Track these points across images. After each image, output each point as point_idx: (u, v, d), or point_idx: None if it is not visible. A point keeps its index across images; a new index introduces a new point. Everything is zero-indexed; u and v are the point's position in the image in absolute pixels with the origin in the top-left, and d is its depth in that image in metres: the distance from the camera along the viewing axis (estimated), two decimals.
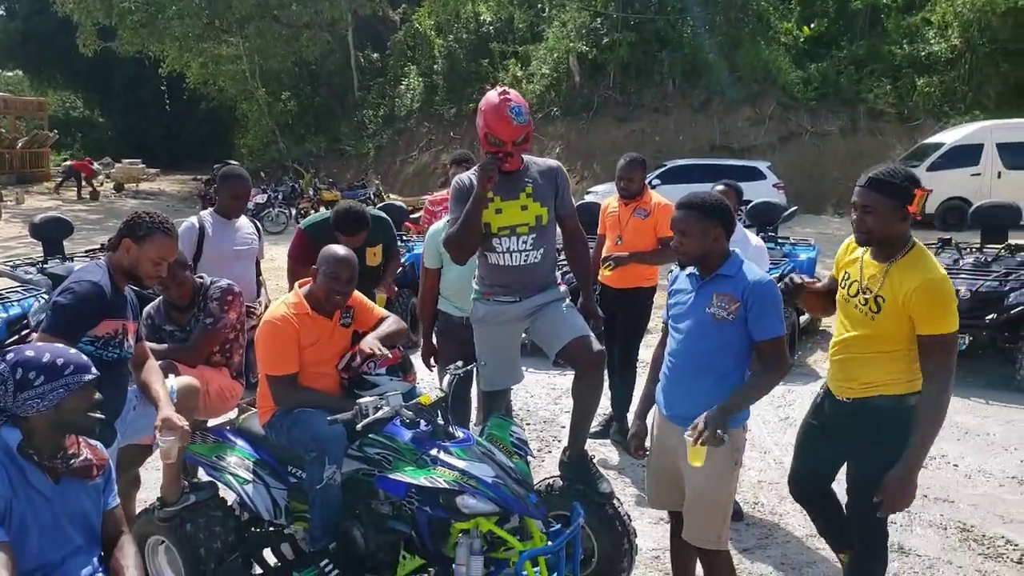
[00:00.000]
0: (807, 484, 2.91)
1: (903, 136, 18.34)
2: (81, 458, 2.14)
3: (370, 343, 3.03)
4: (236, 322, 3.64)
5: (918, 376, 2.45)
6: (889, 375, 2.50)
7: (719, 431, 2.39)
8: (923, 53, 18.77)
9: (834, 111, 19.03)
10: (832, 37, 20.19)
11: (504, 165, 3.04)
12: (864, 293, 2.51)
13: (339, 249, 3.06)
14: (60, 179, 23.59)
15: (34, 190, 23.55)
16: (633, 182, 4.49)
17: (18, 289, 6.02)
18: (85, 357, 2.12)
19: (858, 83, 19.07)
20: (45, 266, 6.67)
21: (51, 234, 6.97)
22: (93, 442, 2.25)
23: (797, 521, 3.81)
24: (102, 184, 24.46)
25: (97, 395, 2.11)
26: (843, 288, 2.64)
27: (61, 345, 2.16)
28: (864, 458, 2.57)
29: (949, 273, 6.24)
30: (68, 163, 25.42)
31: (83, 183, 23.18)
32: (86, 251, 7.51)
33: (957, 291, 5.81)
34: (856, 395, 2.58)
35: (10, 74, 44.03)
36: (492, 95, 3.04)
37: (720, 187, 4.12)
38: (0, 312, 5.29)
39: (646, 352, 6.73)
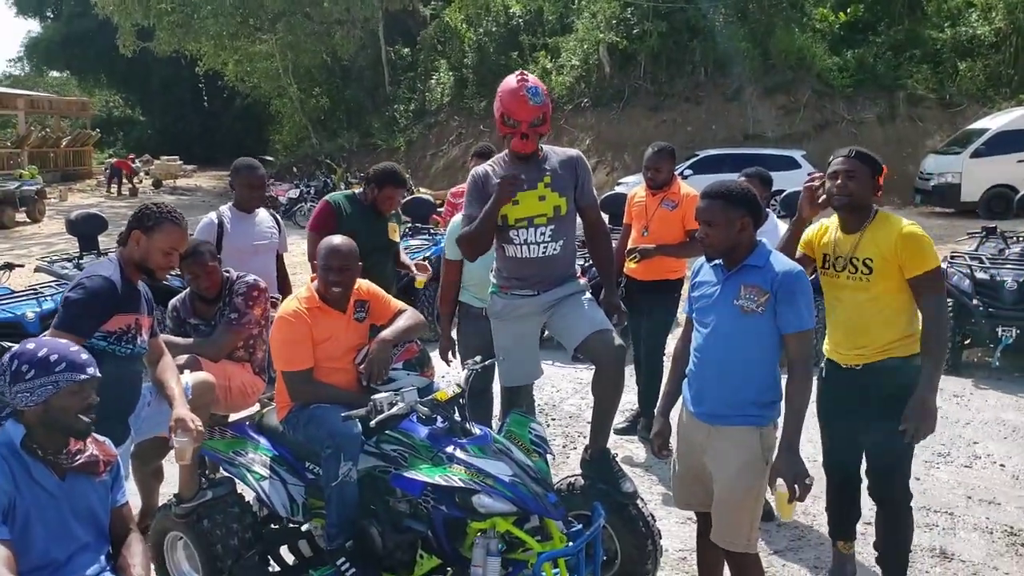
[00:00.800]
0: (842, 460, 2.97)
1: (944, 122, 17.81)
2: (87, 453, 2.11)
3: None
4: (260, 318, 3.63)
5: (918, 338, 2.72)
6: (895, 335, 2.72)
7: (807, 479, 2.35)
8: (966, 36, 18.18)
9: (871, 98, 18.53)
10: (869, 22, 19.64)
11: (521, 147, 2.97)
12: (851, 264, 2.74)
13: (332, 239, 3.01)
14: (108, 178, 24.10)
15: (77, 188, 24.15)
16: (661, 172, 4.37)
17: (53, 284, 6.12)
18: (86, 356, 2.08)
19: (897, 68, 18.54)
20: (80, 261, 6.80)
21: (86, 230, 7.11)
22: (101, 438, 2.22)
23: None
24: (141, 181, 24.98)
25: (93, 398, 2.07)
26: (827, 269, 2.83)
27: (64, 341, 2.13)
28: (879, 422, 2.71)
29: (994, 263, 5.99)
30: (111, 161, 26.01)
31: (123, 180, 23.71)
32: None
33: (1003, 282, 5.65)
34: (866, 360, 2.74)
35: (56, 75, 45.27)
36: (510, 78, 3.01)
37: (743, 176, 3.99)
38: (34, 307, 5.35)
39: (672, 346, 6.65)
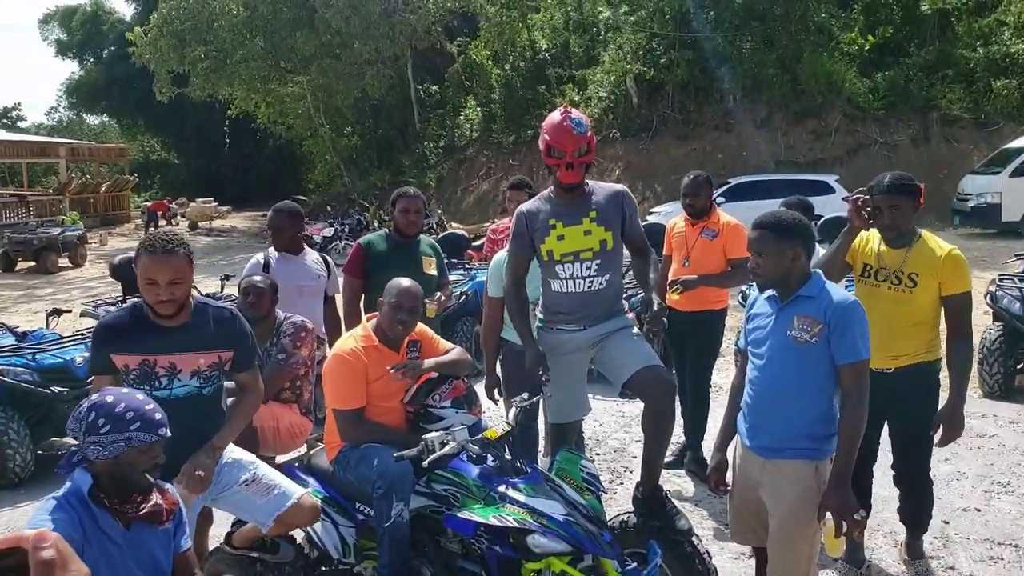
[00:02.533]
0: (866, 458, 3.14)
1: (980, 142, 17.55)
2: (151, 503, 2.12)
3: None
4: (307, 358, 3.67)
5: (941, 343, 3.06)
6: (925, 344, 3.03)
7: (856, 515, 2.32)
8: (999, 55, 17.96)
9: (904, 120, 18.37)
10: (899, 44, 19.55)
11: (567, 177, 2.99)
12: (895, 276, 2.99)
13: (403, 280, 3.06)
14: (145, 221, 24.72)
15: (116, 232, 24.75)
16: (699, 199, 4.36)
17: None
18: (160, 416, 2.09)
19: (929, 89, 18.39)
20: (124, 305, 6.94)
21: (130, 274, 7.19)
22: (164, 485, 2.24)
23: (891, 557, 3.56)
24: (177, 223, 25.56)
25: (161, 457, 2.09)
26: (866, 278, 3.07)
27: (142, 398, 2.12)
28: (907, 417, 3.04)
29: None
30: (147, 204, 26.70)
31: (159, 222, 24.27)
32: None
33: None
34: (900, 364, 3.00)
35: (95, 122, 46.86)
36: (555, 113, 3.05)
37: (783, 205, 3.97)
38: (82, 351, 5.45)
39: (718, 376, 6.56)
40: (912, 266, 2.95)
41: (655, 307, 2.89)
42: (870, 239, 3.10)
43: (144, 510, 2.09)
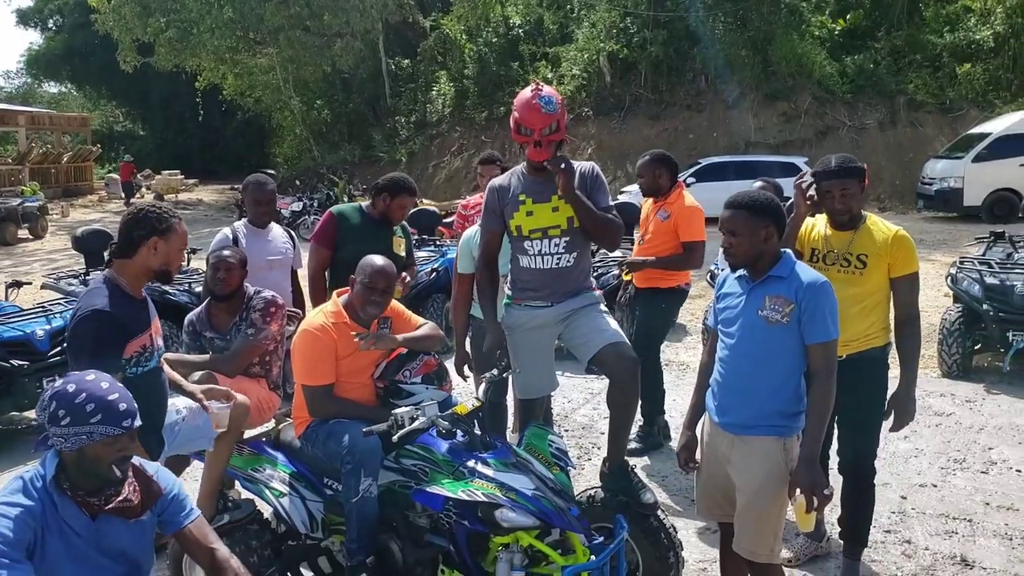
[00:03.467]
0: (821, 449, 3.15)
1: (945, 127, 17.86)
2: (120, 497, 2.02)
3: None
4: (277, 333, 3.64)
5: (890, 328, 3.05)
6: (875, 326, 3.00)
7: (825, 490, 2.35)
8: (965, 41, 18.24)
9: (872, 104, 18.61)
10: (868, 29, 19.74)
11: (535, 156, 2.98)
12: (843, 259, 2.98)
13: (377, 259, 3.02)
14: (125, 193, 24.16)
15: (79, 203, 24.16)
16: (645, 179, 4.39)
17: (61, 301, 6.12)
18: (127, 406, 1.97)
19: (897, 74, 18.64)
20: (87, 277, 6.80)
21: (93, 246, 7.12)
22: (151, 470, 2.13)
23: None
24: (143, 195, 25.02)
25: (129, 449, 1.99)
26: (815, 263, 3.02)
27: (107, 383, 1.99)
28: (855, 404, 2.96)
29: (1003, 268, 6.01)
30: (114, 176, 26.08)
31: (138, 190, 23.83)
32: None
33: (1013, 287, 5.65)
34: (851, 351, 2.95)
35: (54, 90, 45.47)
36: (525, 89, 3.03)
37: (759, 184, 4.00)
38: (43, 324, 5.35)
39: (686, 355, 6.65)
40: (860, 247, 2.96)
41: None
42: (815, 224, 3.10)
43: (112, 504, 2.00)
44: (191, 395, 2.82)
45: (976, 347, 6.04)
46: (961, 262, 6.32)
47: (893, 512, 3.86)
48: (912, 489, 4.12)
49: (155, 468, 2.18)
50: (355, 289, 2.99)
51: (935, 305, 8.03)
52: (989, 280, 5.78)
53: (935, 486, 4.17)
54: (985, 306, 5.67)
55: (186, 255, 7.75)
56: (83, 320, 2.50)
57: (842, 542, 3.26)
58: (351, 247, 3.75)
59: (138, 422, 2.00)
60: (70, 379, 1.98)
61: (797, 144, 18.28)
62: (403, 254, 4.19)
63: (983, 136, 14.92)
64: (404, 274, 4.10)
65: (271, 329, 3.58)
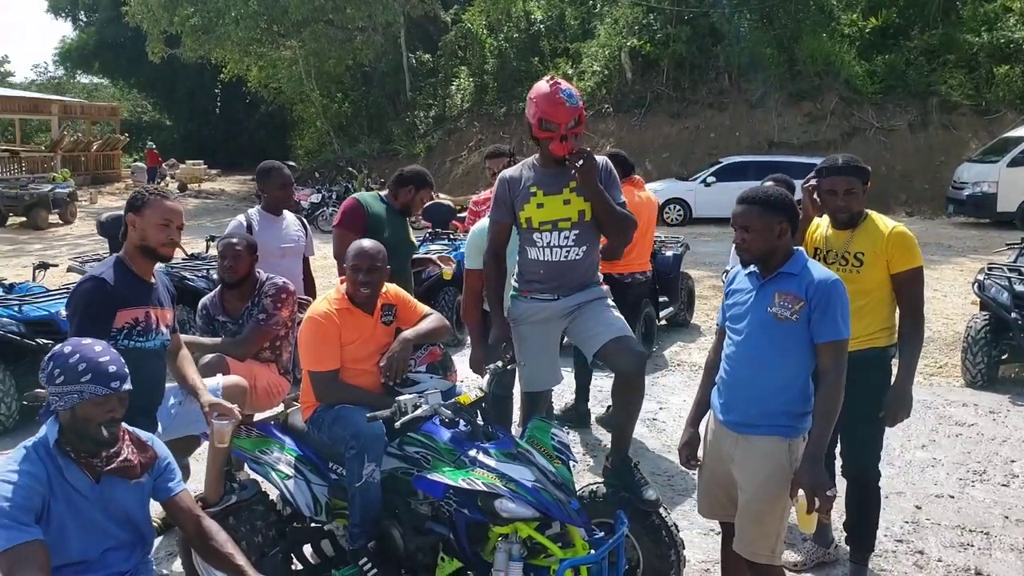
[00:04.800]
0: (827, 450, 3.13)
1: (980, 129, 17.41)
2: (121, 458, 2.09)
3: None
4: (288, 319, 3.69)
5: (894, 329, 3.00)
6: (876, 325, 2.95)
7: (828, 491, 2.31)
8: (1003, 41, 17.76)
9: (902, 105, 18.25)
10: (901, 27, 19.33)
11: (560, 150, 2.95)
12: (842, 257, 2.97)
13: (362, 242, 3.05)
14: (150, 180, 24.53)
15: (107, 190, 24.54)
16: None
17: None
18: (114, 369, 2.04)
19: (929, 74, 18.22)
20: (105, 261, 6.89)
21: (115, 231, 7.20)
22: (145, 436, 2.22)
23: None
24: (167, 185, 25.34)
25: (118, 411, 2.05)
26: (817, 263, 2.92)
27: (101, 347, 2.08)
28: (856, 406, 2.78)
29: None
30: (139, 164, 26.43)
31: (163, 178, 24.18)
32: None
33: None
34: (851, 349, 2.76)
35: (86, 81, 46.13)
36: (541, 83, 3.00)
37: (769, 182, 3.95)
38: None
39: (684, 355, 6.58)
40: (857, 246, 2.95)
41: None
42: (819, 225, 3.11)
43: (113, 464, 2.07)
44: (200, 406, 2.85)
45: (1003, 356, 5.85)
46: (990, 268, 6.13)
47: (907, 521, 3.79)
48: (928, 499, 4.04)
49: (148, 436, 2.25)
50: (346, 274, 3.02)
51: (961, 312, 7.88)
52: (1019, 287, 5.62)
53: (952, 497, 4.07)
54: (1014, 314, 5.51)
55: (206, 242, 8.00)
56: (79, 285, 2.71)
57: (848, 548, 3.22)
58: (372, 234, 3.77)
59: (127, 386, 2.06)
60: (69, 342, 2.08)
61: (822, 145, 18.03)
62: (416, 242, 4.25)
63: (1020, 140, 14.51)
64: (447, 256, 4.21)
65: (282, 315, 3.62)
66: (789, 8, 19.44)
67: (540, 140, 3.00)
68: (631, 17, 20.63)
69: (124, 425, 2.14)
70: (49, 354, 2.05)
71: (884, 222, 2.99)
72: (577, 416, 5.01)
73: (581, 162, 2.87)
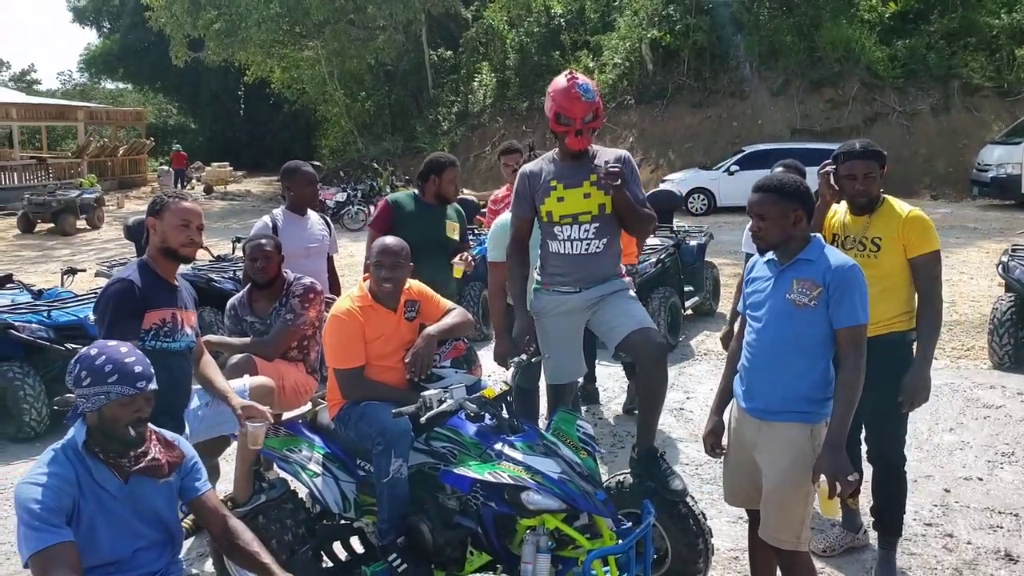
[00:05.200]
0: (853, 428, 3.09)
1: (1002, 112, 17.20)
2: (149, 457, 2.12)
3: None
4: (315, 319, 3.73)
5: (914, 314, 2.98)
6: (895, 310, 2.95)
7: (849, 477, 2.31)
8: (1023, 22, 17.49)
9: (924, 89, 18.02)
10: (920, 11, 19.04)
11: (576, 144, 2.98)
12: (860, 243, 2.99)
13: (385, 239, 3.08)
14: (175, 182, 24.96)
15: (133, 195, 24.91)
16: None
17: None
18: (140, 369, 2.06)
19: (951, 58, 17.97)
20: (131, 264, 7.01)
21: (142, 235, 7.33)
22: (171, 436, 2.25)
23: None
24: (193, 187, 25.69)
25: (144, 411, 2.08)
26: (836, 247, 2.93)
27: (126, 349, 2.11)
28: (877, 391, 2.78)
29: None
30: (166, 168, 26.85)
31: (188, 181, 24.49)
32: None
33: None
34: (871, 334, 2.71)
35: (111, 87, 46.88)
36: (559, 78, 3.03)
37: (780, 168, 3.92)
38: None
39: (710, 343, 6.54)
40: (874, 231, 2.96)
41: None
42: (837, 211, 3.12)
43: (142, 464, 2.10)
44: (232, 409, 2.88)
45: None
46: (1014, 250, 6.11)
47: (935, 505, 3.77)
48: (956, 482, 4.02)
49: (174, 436, 2.27)
50: (369, 271, 3.05)
51: (987, 295, 7.79)
52: None
53: (980, 479, 4.05)
54: None
55: (232, 244, 8.10)
56: (108, 287, 2.77)
57: (876, 532, 3.21)
58: (406, 232, 3.80)
59: (153, 385, 2.09)
60: (95, 345, 2.11)
61: (845, 131, 17.76)
62: (456, 238, 4.25)
63: None
64: (466, 253, 4.21)
65: (309, 314, 3.66)
66: None
67: (557, 134, 3.02)
68: (651, 8, 20.49)
69: (151, 425, 2.16)
70: (75, 357, 2.07)
71: (900, 206, 2.99)
72: (586, 395, 5.21)
73: (619, 181, 2.90)
